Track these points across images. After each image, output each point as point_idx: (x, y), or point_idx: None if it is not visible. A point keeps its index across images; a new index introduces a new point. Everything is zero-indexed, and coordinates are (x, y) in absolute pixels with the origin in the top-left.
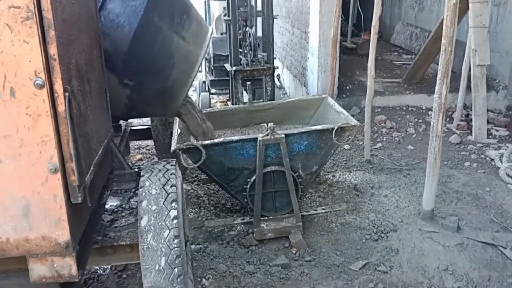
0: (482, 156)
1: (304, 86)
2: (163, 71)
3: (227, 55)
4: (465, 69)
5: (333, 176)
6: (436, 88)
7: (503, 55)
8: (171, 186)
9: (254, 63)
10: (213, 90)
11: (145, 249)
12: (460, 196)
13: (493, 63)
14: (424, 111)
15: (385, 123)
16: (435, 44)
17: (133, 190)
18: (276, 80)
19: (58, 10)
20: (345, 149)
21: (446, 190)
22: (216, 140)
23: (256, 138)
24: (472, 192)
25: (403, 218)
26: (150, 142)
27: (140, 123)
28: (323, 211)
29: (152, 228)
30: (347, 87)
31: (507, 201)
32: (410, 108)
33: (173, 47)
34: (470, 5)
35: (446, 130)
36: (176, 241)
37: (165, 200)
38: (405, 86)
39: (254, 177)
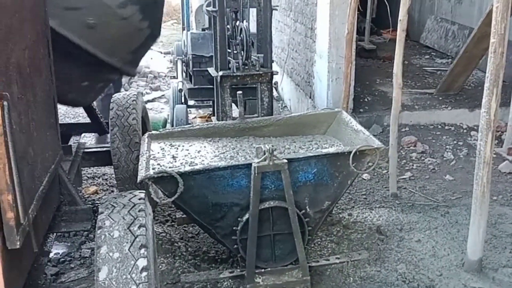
0: None
1: (310, 97)
2: None
3: (211, 56)
4: None
5: (350, 215)
6: (483, 100)
7: None
8: (139, 227)
9: (246, 67)
10: (191, 102)
11: None
12: None
13: None
14: (465, 130)
15: (415, 146)
16: (478, 45)
17: (86, 233)
18: (273, 89)
19: None
20: (364, 179)
21: (497, 234)
22: (197, 167)
23: (250, 164)
24: None
25: (442, 270)
26: (109, 170)
27: (94, 145)
28: (337, 261)
29: (114, 283)
30: (365, 99)
31: None
32: (446, 127)
33: None
34: None
35: (494, 155)
36: None
37: (131, 245)
38: (440, 98)
39: (247, 216)
